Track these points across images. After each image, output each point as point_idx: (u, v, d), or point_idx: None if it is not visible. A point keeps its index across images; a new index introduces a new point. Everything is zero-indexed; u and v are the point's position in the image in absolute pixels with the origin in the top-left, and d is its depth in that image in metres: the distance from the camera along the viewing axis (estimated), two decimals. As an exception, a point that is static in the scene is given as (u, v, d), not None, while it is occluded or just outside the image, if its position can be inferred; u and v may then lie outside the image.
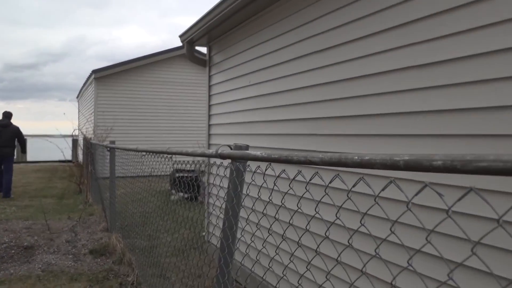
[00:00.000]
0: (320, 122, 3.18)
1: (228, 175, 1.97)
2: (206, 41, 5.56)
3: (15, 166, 20.67)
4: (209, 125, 5.55)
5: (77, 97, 23.06)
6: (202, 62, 5.72)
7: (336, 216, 1.39)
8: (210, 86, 5.57)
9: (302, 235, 1.79)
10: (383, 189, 1.10)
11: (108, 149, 5.52)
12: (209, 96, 5.56)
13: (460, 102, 2.15)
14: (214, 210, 5.03)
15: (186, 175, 9.22)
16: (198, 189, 8.52)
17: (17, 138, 10.33)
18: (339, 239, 2.86)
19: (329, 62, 3.09)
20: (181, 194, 8.97)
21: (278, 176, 1.53)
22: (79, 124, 23.23)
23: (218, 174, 3.00)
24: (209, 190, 5.47)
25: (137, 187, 5.83)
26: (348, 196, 1.27)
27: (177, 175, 9.89)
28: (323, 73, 3.16)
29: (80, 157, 21.46)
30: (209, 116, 5.56)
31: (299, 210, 1.64)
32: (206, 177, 8.51)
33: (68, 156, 29.23)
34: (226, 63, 5.12)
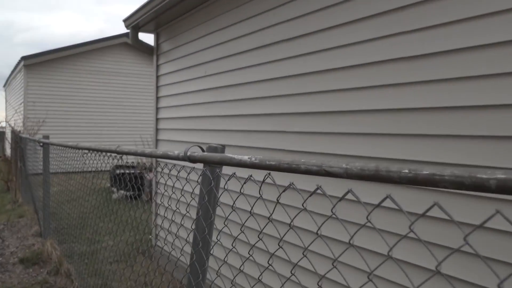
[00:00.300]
0: (291, 118, 2.89)
1: (187, 178, 1.62)
2: (154, 27, 5.08)
3: None
4: (157, 119, 5.09)
5: (4, 85, 21.28)
6: (148, 50, 5.24)
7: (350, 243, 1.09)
8: (158, 77, 5.11)
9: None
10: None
11: (41, 144, 4.90)
12: (157, 87, 5.10)
13: (445, 101, 1.94)
14: (165, 212, 4.61)
15: (128, 171, 8.66)
16: (142, 187, 7.99)
17: None
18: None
19: (302, 52, 2.80)
20: (123, 192, 8.39)
21: (285, 189, 1.21)
22: (6, 115, 21.48)
23: (174, 176, 2.62)
24: (156, 189, 5.04)
25: (73, 184, 5.30)
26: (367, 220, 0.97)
27: (117, 171, 9.28)
28: (293, 64, 2.87)
29: (8, 151, 19.84)
30: (157, 109, 5.11)
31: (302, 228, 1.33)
32: (152, 175, 8.00)
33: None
34: (176, 52, 4.70)
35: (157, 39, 5.18)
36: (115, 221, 6.51)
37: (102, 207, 7.64)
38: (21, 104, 13.86)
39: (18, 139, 7.96)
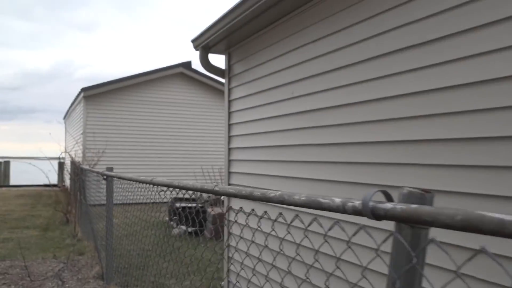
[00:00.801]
0: (417, 146, 2.23)
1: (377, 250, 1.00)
2: (225, 47, 4.62)
3: (-4, 191, 19.39)
4: (229, 149, 4.57)
5: (64, 118, 21.95)
6: (219, 72, 4.77)
7: None
8: (230, 102, 4.61)
9: None
10: None
11: (105, 177, 4.50)
12: (229, 113, 4.60)
13: None
14: (241, 257, 4.01)
15: (188, 205, 8.20)
16: (204, 223, 7.47)
17: None
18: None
19: (442, 59, 2.16)
20: (183, 227, 7.90)
21: None
22: (66, 146, 22.05)
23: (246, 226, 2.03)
24: (230, 229, 4.45)
25: (130, 217, 4.87)
26: None
27: (177, 204, 8.83)
28: (426, 75, 2.23)
29: (67, 182, 20.22)
30: (229, 138, 4.59)
31: None
32: (216, 209, 7.43)
33: (53, 180, 27.89)
34: (251, 73, 4.19)
35: (228, 60, 4.71)
36: (178, 260, 5.99)
37: (162, 243, 7.19)
38: (80, 134, 13.98)
39: (78, 170, 7.73)
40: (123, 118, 13.71)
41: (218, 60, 5.85)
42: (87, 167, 7.64)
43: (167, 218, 9.62)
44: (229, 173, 4.53)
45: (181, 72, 14.43)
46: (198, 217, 7.22)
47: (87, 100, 13.26)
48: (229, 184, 4.45)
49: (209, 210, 7.30)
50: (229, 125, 4.58)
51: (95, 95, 13.33)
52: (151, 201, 3.67)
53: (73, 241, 7.58)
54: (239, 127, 4.43)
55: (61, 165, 27.40)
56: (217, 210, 7.25)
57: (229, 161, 4.54)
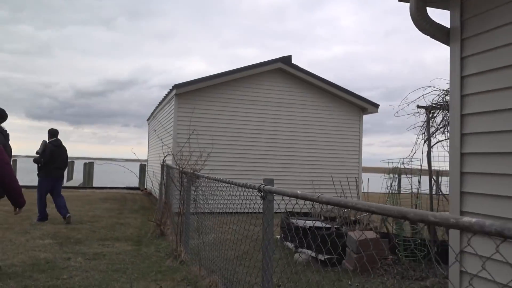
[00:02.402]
0: None
1: None
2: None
3: (82, 192, 19.06)
4: (462, 155, 2.80)
5: (148, 119, 21.36)
6: (440, 32, 3.01)
7: None
8: (462, 79, 2.85)
9: None
10: None
11: (262, 193, 2.91)
12: (461, 97, 2.84)
13: None
14: None
15: (323, 225, 6.46)
16: (343, 249, 5.71)
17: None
18: None
19: None
20: (309, 252, 6.20)
21: None
22: (149, 148, 21.43)
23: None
24: (461, 266, 2.67)
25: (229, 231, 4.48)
26: None
27: (296, 221, 7.19)
28: None
29: (149, 185, 19.48)
30: (461, 137, 2.83)
31: None
32: (359, 233, 5.60)
33: (133, 183, 27.63)
34: (504, 34, 2.40)
35: (460, 14, 2.94)
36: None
37: (289, 274, 5.55)
38: (169, 136, 12.87)
39: (182, 176, 6.33)
40: (216, 118, 12.41)
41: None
42: (200, 174, 6.21)
43: (277, 236, 8.00)
44: (462, 193, 2.75)
45: (279, 68, 12.89)
46: (334, 242, 5.50)
47: (179, 98, 12.10)
48: (462, 213, 2.69)
49: (351, 233, 5.54)
50: (462, 116, 2.81)
51: (187, 93, 12.15)
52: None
53: (175, 263, 6.17)
54: (481, 120, 2.67)
55: (142, 168, 27.09)
56: (359, 233, 5.48)
57: (462, 173, 2.77)
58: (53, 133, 9.96)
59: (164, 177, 10.72)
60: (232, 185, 3.71)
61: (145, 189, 21.10)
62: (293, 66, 12.91)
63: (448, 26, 2.95)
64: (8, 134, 5.94)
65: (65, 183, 27.18)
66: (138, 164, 24.02)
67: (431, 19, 2.87)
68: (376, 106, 13.74)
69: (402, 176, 5.85)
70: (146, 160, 22.02)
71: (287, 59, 12.84)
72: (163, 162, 11.26)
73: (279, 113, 12.97)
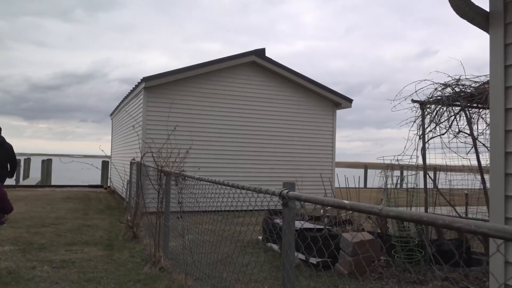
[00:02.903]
0: None
1: None
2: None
3: (40, 191, 17.94)
4: (506, 154, 2.50)
5: (112, 114, 20.44)
6: (479, 16, 2.70)
7: None
8: (506, 68, 2.55)
9: None
10: None
11: (283, 198, 2.50)
12: (505, 89, 2.54)
13: None
14: None
15: (314, 226, 6.12)
16: (337, 252, 5.38)
17: (10, 158, 9.07)
18: None
19: None
20: (299, 255, 5.86)
21: None
22: (112, 144, 20.53)
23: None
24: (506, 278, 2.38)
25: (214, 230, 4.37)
26: None
27: (277, 221, 6.85)
28: None
29: (114, 184, 18.58)
30: (506, 134, 2.53)
31: None
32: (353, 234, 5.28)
33: (94, 181, 26.47)
34: None
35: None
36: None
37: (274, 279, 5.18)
38: (137, 132, 12.21)
39: (159, 175, 5.84)
40: (188, 113, 11.87)
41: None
42: (187, 173, 5.72)
43: (259, 237, 7.63)
44: (506, 197, 2.46)
45: (253, 61, 12.49)
46: (327, 244, 5.18)
47: (148, 91, 11.47)
48: (507, 219, 2.40)
49: (345, 235, 5.22)
50: (506, 111, 2.52)
51: (157, 86, 11.54)
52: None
53: (154, 270, 5.67)
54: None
55: (105, 165, 26.00)
56: (354, 235, 5.18)
57: (506, 175, 2.47)
58: None
59: (135, 176, 10.11)
60: (235, 188, 3.27)
61: (109, 187, 20.19)
62: (266, 59, 12.54)
63: (488, 10, 2.65)
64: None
65: (21, 181, 25.77)
66: (99, 160, 22.99)
67: (470, 0, 2.55)
68: (350, 101, 13.61)
69: (395, 172, 5.61)
70: (109, 157, 21.09)
71: (260, 52, 12.45)
72: (133, 159, 10.64)
73: (252, 107, 12.58)
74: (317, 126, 13.43)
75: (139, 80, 11.74)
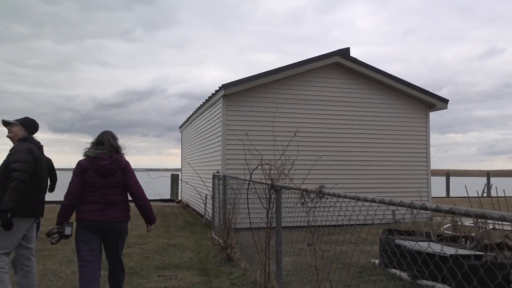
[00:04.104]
0: None
1: None
2: None
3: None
4: None
5: (181, 127, 20.14)
6: None
7: None
8: None
9: None
10: None
11: None
12: None
13: None
14: None
15: (461, 252, 4.95)
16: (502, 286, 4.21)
17: (50, 174, 8.26)
18: None
19: None
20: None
21: None
22: (182, 157, 20.20)
23: None
24: None
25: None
26: None
27: (401, 242, 5.73)
28: None
29: (186, 196, 18.13)
30: None
31: None
32: None
33: (161, 194, 26.39)
34: None
35: None
36: None
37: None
38: (214, 144, 11.55)
39: (272, 191, 4.94)
40: (267, 121, 11.02)
41: None
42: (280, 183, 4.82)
43: (374, 261, 6.53)
44: None
45: (336, 63, 11.47)
46: (491, 275, 4.00)
47: (227, 99, 10.77)
48: None
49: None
50: None
51: (235, 94, 10.82)
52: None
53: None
54: None
55: (174, 178, 25.85)
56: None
57: None
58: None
59: (219, 190, 9.37)
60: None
61: (180, 201, 19.83)
62: (351, 60, 11.47)
63: None
64: (41, 146, 4.74)
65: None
66: (166, 173, 22.79)
67: None
68: (445, 101, 12.18)
69: None
70: (180, 170, 20.78)
71: (345, 52, 11.41)
72: (217, 172, 9.93)
73: (335, 112, 11.53)
74: (409, 130, 12.12)
75: (217, 89, 11.07)
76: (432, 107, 12.27)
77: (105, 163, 4.21)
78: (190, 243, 8.81)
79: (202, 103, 13.31)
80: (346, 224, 4.37)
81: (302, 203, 3.83)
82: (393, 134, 11.96)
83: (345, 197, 3.31)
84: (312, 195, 3.54)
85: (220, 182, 9.71)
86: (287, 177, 4.96)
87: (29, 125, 4.73)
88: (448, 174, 25.13)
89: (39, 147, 4.65)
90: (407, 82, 11.87)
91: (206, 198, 12.10)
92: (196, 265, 6.89)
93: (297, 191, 3.98)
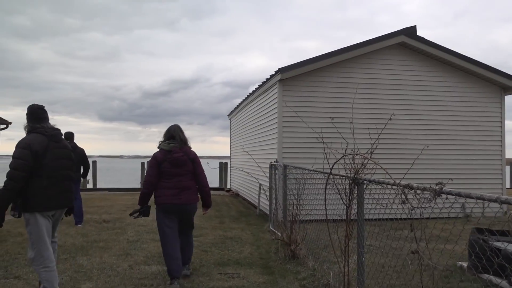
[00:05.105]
0: None
1: None
2: None
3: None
4: None
5: (229, 114, 19.74)
6: None
7: None
8: None
9: None
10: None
11: None
12: None
13: None
14: None
15: None
16: None
17: (82, 162, 9.37)
18: None
19: None
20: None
21: None
22: (231, 146, 19.84)
23: None
24: None
25: None
26: None
27: (499, 244, 4.96)
28: None
29: (235, 184, 17.78)
30: None
31: None
32: None
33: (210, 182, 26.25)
34: None
35: None
36: None
37: None
38: (270, 131, 11.00)
39: (353, 185, 4.33)
40: (325, 106, 10.32)
41: None
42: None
43: (460, 263, 5.79)
44: None
45: (401, 42, 10.56)
46: None
47: (284, 84, 10.15)
48: None
49: None
50: None
51: (292, 78, 10.18)
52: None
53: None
54: None
55: (222, 166, 25.62)
56: None
57: None
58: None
59: (278, 180, 8.83)
60: None
61: (230, 189, 19.53)
62: (418, 39, 10.52)
63: None
64: (56, 134, 4.32)
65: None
66: (207, 161, 22.55)
67: None
68: (523, 83, 11.00)
69: None
70: (229, 157, 20.44)
71: (411, 31, 10.48)
72: (276, 161, 9.39)
73: (401, 96, 10.65)
74: (481, 115, 11.05)
75: (272, 73, 10.47)
76: (507, 90, 11.12)
77: (178, 155, 4.98)
78: (248, 236, 8.35)
79: (254, 89, 12.77)
80: (411, 218, 3.83)
81: (403, 202, 3.19)
82: (462, 118, 10.94)
83: (469, 196, 2.65)
84: (426, 194, 2.89)
85: (276, 171, 9.17)
86: (374, 169, 4.32)
87: (30, 114, 4.31)
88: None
89: (52, 135, 4.25)
90: (480, 62, 10.77)
91: (260, 188, 11.62)
92: (258, 262, 6.40)
93: (394, 187, 3.33)
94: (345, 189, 4.38)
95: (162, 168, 4.95)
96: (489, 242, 5.12)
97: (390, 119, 5.34)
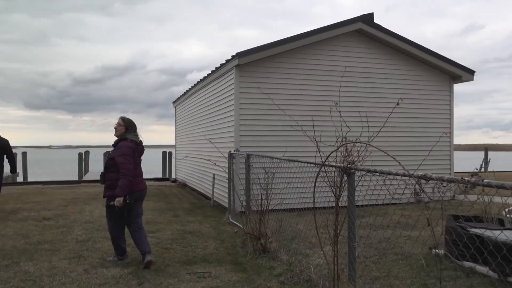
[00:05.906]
0: None
1: None
2: None
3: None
4: None
5: (174, 102, 18.94)
6: None
7: None
8: None
9: None
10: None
11: None
12: None
13: None
14: None
15: None
16: None
17: (6, 153, 9.13)
18: None
19: None
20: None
21: None
22: (176, 135, 19.06)
23: None
24: None
25: None
26: None
27: (477, 230, 4.92)
28: None
29: (181, 175, 17.06)
30: None
31: None
32: None
33: (152, 173, 25.26)
34: None
35: None
36: None
37: None
38: (229, 117, 10.51)
39: (343, 175, 4.02)
40: (283, 93, 10.02)
41: None
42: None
43: (436, 251, 5.70)
44: None
45: (359, 29, 10.46)
46: None
47: (241, 69, 9.69)
48: None
49: None
50: None
51: (248, 64, 9.74)
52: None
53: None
54: None
55: (165, 155, 24.70)
56: None
57: None
58: None
59: (238, 169, 8.40)
60: None
61: (176, 180, 18.79)
62: (375, 27, 10.47)
63: None
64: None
65: (83, 177, 24.58)
66: (150, 150, 21.59)
67: None
68: (471, 72, 11.35)
69: None
70: (174, 146, 19.63)
71: (368, 18, 10.40)
72: (236, 150, 8.94)
73: (357, 84, 10.58)
74: (432, 103, 11.30)
75: (231, 56, 9.95)
76: (457, 79, 11.43)
77: (143, 146, 5.64)
78: (208, 230, 7.87)
79: (207, 74, 12.17)
80: (372, 204, 3.76)
81: (417, 194, 2.90)
82: (416, 108, 11.12)
83: (503, 187, 2.39)
84: (459, 186, 2.60)
85: (234, 161, 8.75)
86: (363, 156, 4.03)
87: None
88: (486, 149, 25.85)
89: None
90: (433, 51, 10.96)
91: (214, 178, 11.13)
92: (226, 258, 5.96)
93: (405, 178, 3.03)
94: (336, 180, 4.05)
95: (133, 158, 5.37)
96: (468, 229, 5.05)
97: (398, 103, 4.98)
